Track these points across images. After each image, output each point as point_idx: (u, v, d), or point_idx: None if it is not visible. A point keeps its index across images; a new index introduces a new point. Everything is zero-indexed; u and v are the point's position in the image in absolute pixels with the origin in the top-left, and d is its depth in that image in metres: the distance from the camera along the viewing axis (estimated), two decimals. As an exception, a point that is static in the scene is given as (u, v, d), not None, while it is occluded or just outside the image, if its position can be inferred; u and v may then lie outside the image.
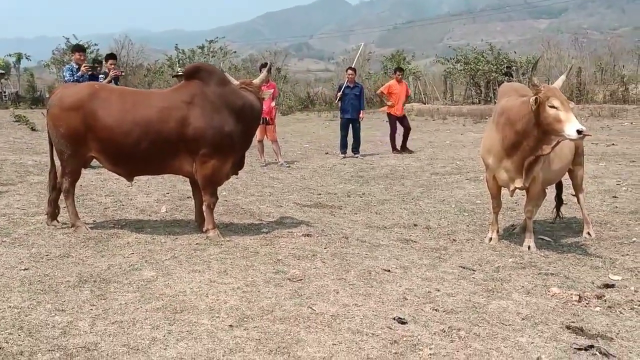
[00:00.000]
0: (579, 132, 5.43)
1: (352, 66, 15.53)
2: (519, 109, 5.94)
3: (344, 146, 13.90)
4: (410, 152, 14.11)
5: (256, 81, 6.73)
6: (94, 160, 6.51)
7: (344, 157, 13.55)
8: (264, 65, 10.51)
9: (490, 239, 6.65)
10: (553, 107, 5.59)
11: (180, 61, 33.27)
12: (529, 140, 5.91)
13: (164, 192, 8.51)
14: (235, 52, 37.23)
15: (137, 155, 6.05)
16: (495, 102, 23.93)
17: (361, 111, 14.04)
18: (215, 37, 34.57)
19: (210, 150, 6.07)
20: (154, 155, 6.09)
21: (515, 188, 6.33)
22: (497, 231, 6.76)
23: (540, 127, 5.75)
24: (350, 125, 13.91)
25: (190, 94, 6.10)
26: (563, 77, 6.34)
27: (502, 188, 6.62)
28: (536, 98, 5.71)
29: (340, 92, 13.99)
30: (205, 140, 6.03)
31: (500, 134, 6.19)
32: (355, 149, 13.92)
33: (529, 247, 6.34)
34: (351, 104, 13.87)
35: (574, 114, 5.60)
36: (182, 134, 6.01)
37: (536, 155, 5.98)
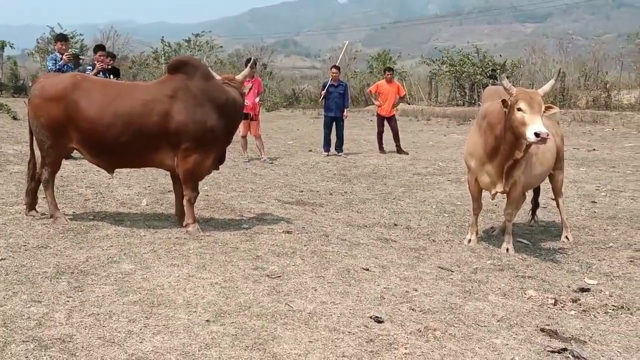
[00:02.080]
0: (536, 134, 5.40)
1: (337, 64, 15.53)
2: (498, 113, 5.96)
3: (327, 144, 13.91)
4: (406, 153, 14.08)
5: (239, 77, 6.73)
6: (75, 151, 6.48)
7: (327, 155, 13.57)
8: (249, 61, 10.49)
9: (469, 240, 6.69)
10: (520, 110, 5.60)
11: (166, 54, 33.11)
12: (506, 144, 5.93)
13: (145, 185, 8.48)
14: (221, 46, 37.08)
15: (119, 147, 6.02)
16: (479, 105, 24.04)
17: (345, 110, 14.05)
18: (202, 31, 34.42)
19: (192, 145, 6.05)
20: (136, 148, 6.06)
21: (497, 192, 6.36)
22: (477, 233, 6.80)
23: (510, 130, 5.78)
24: (334, 124, 13.93)
25: (173, 88, 6.07)
26: (552, 81, 6.33)
27: (483, 190, 6.65)
28: (504, 101, 5.73)
29: (325, 91, 14.00)
30: (188, 134, 6.01)
31: (482, 138, 6.22)
32: (339, 147, 13.93)
33: (507, 250, 6.39)
34: (335, 103, 13.89)
35: (541, 118, 5.54)
36: (164, 128, 5.99)
37: (513, 159, 6.01)
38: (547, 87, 6.19)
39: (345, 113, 14.05)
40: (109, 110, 5.95)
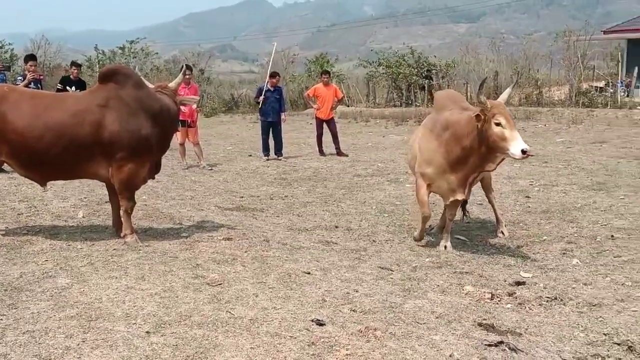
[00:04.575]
0: (523, 151, 5.48)
1: (275, 71, 15.42)
2: (466, 125, 5.89)
3: (266, 148, 13.86)
4: (346, 155, 14.11)
5: (172, 84, 6.65)
6: (6, 164, 6.31)
7: (267, 160, 13.54)
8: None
9: (445, 246, 6.56)
10: (499, 124, 5.61)
11: (100, 62, 32.44)
12: (475, 157, 5.92)
13: (81, 197, 8.31)
14: (157, 53, 36.54)
15: (50, 160, 5.89)
16: (416, 105, 24.30)
17: (283, 114, 14.04)
18: (137, 38, 33.86)
19: (126, 154, 5.96)
20: (68, 160, 5.94)
21: (456, 200, 6.35)
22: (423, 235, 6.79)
23: (486, 144, 5.75)
24: (271, 128, 13.89)
25: (105, 97, 5.97)
26: (509, 90, 6.42)
27: (431, 194, 6.58)
28: (477, 115, 5.69)
29: (263, 96, 13.89)
30: (121, 144, 5.92)
31: (443, 148, 6.12)
32: (278, 151, 13.91)
33: (445, 247, 6.51)
34: (272, 107, 13.80)
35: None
36: (97, 138, 5.88)
37: (481, 171, 6.07)
38: (504, 95, 6.26)
39: (283, 117, 14.04)
40: (39, 121, 5.81)
